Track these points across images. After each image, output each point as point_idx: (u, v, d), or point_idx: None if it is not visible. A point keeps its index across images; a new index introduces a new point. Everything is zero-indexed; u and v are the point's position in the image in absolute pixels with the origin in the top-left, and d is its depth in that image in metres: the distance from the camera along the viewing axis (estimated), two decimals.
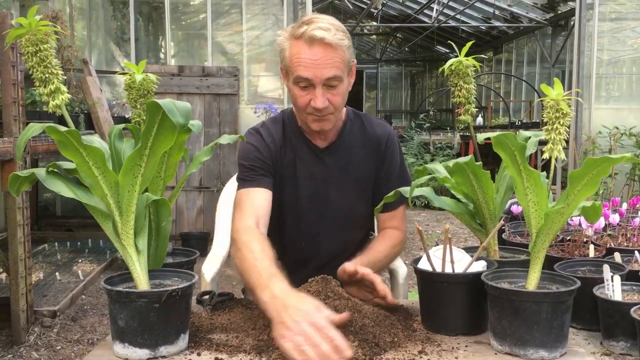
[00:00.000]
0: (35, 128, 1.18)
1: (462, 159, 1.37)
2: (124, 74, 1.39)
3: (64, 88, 1.26)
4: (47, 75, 1.24)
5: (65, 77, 1.29)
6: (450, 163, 1.38)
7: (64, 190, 1.21)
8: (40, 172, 1.22)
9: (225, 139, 1.42)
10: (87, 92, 4.66)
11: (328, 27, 1.56)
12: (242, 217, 1.60)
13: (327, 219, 1.78)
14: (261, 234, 1.55)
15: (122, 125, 1.36)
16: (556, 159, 1.22)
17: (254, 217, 1.59)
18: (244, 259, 1.43)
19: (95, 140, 1.24)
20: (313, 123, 1.66)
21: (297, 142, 1.78)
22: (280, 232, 1.82)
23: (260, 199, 1.66)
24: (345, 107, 1.78)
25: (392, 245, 1.76)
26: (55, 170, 1.25)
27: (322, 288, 1.36)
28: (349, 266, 1.47)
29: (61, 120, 1.28)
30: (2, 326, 3.29)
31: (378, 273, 1.57)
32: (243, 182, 1.70)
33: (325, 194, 1.77)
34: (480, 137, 1.47)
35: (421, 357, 1.19)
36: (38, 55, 1.22)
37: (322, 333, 1.10)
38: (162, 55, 6.92)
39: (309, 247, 1.79)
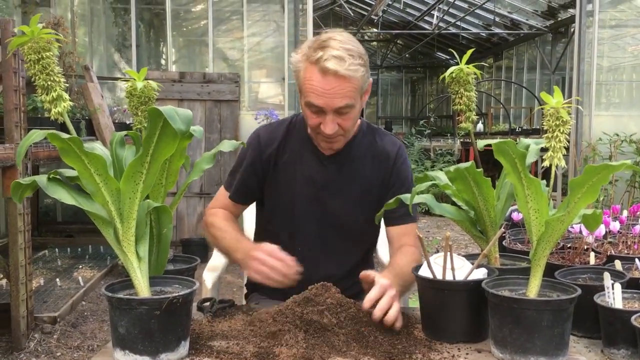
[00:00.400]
0: (36, 135, 1.18)
1: (463, 165, 1.37)
2: (125, 80, 1.40)
3: (65, 95, 1.27)
4: (49, 83, 1.24)
5: (67, 84, 1.29)
6: (452, 168, 1.38)
7: (66, 197, 1.21)
8: (42, 179, 1.22)
9: (226, 146, 1.42)
10: (88, 98, 4.67)
11: (342, 56, 1.52)
12: (213, 207, 1.85)
13: (324, 225, 1.76)
14: (224, 212, 1.82)
15: (124, 133, 1.36)
16: (556, 167, 1.22)
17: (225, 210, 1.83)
18: (215, 233, 1.76)
19: (96, 147, 1.24)
20: (323, 143, 1.70)
21: (302, 146, 1.78)
22: (274, 235, 1.81)
23: (234, 207, 1.85)
24: (360, 118, 1.78)
25: (414, 260, 1.66)
26: (57, 177, 1.25)
27: (321, 293, 1.36)
28: (367, 271, 1.47)
29: (63, 127, 1.28)
30: (2, 332, 3.28)
31: (403, 289, 1.55)
32: (228, 185, 1.85)
33: (324, 200, 1.76)
34: (481, 143, 1.47)
35: None
36: (40, 63, 1.23)
37: (274, 256, 1.49)
38: (163, 62, 6.93)
39: (305, 255, 1.77)
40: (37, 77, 1.24)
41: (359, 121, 1.79)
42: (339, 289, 1.42)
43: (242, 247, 1.63)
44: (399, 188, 1.75)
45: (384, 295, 1.34)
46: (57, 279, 4.23)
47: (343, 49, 1.54)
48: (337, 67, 1.51)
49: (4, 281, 3.79)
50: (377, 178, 1.77)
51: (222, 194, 1.86)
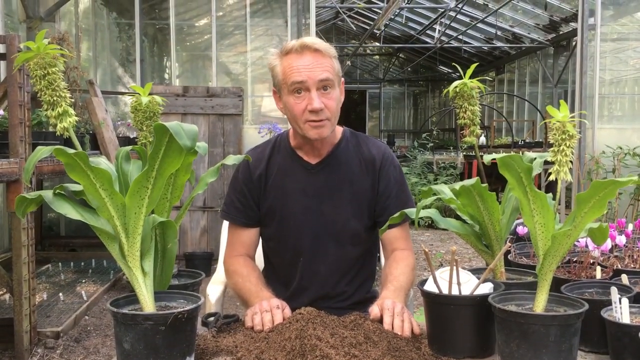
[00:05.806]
0: (43, 151, 1.18)
1: (468, 182, 1.37)
2: (130, 94, 1.41)
3: (71, 111, 1.27)
4: (55, 99, 1.25)
5: (72, 99, 1.30)
6: (457, 186, 1.38)
7: (71, 212, 1.21)
8: (47, 194, 1.22)
9: (230, 160, 1.42)
10: (92, 112, 4.69)
11: (314, 39, 1.68)
12: (232, 251, 1.83)
13: (321, 234, 1.77)
14: (246, 259, 1.80)
15: (130, 148, 1.36)
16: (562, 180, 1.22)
17: (242, 250, 1.82)
18: (236, 282, 1.74)
19: (102, 162, 1.25)
20: (311, 131, 1.68)
21: (288, 160, 1.80)
22: (278, 251, 1.82)
23: (247, 236, 1.83)
24: (342, 127, 1.84)
25: (410, 267, 1.74)
26: (62, 192, 1.25)
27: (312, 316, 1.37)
28: (374, 312, 1.49)
29: (67, 141, 1.29)
30: (6, 347, 3.27)
31: (407, 297, 1.65)
32: (230, 217, 1.84)
33: (317, 208, 1.77)
34: (487, 157, 1.47)
35: None
36: (46, 78, 1.23)
37: (272, 311, 1.46)
38: (167, 76, 6.97)
39: (308, 265, 1.78)
40: (43, 93, 1.24)
41: (341, 128, 1.84)
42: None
43: (258, 300, 1.58)
44: (386, 192, 1.79)
45: (395, 316, 1.44)
46: (60, 294, 4.22)
47: (314, 38, 1.70)
48: (313, 41, 1.66)
49: (7, 295, 3.78)
50: (366, 182, 1.79)
51: (231, 232, 1.85)
